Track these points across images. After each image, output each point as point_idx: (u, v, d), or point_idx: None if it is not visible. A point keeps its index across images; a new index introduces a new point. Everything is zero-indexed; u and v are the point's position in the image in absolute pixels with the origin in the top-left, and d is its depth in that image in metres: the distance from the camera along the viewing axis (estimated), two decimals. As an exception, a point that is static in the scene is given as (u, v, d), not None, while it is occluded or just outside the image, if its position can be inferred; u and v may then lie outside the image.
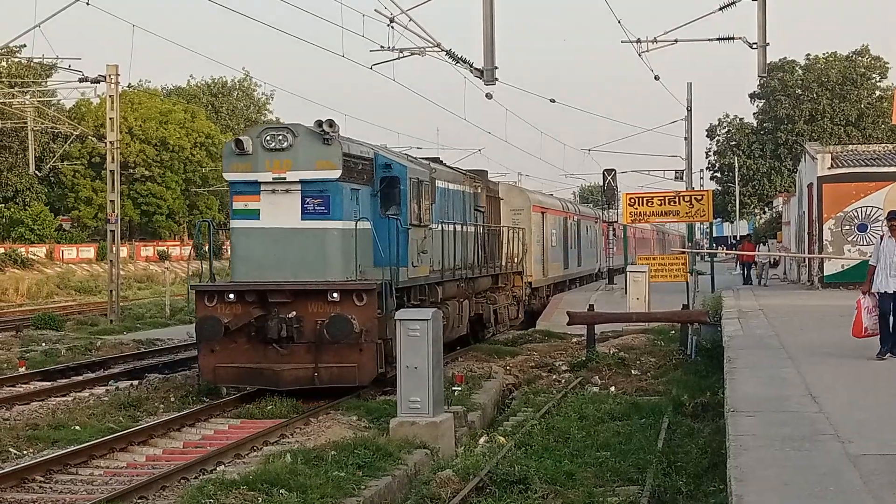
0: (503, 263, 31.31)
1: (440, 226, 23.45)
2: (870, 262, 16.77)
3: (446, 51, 26.65)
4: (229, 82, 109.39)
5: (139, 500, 12.53)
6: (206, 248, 21.32)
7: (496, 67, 26.42)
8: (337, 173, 18.42)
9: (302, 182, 18.40)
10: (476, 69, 26.41)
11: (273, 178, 18.40)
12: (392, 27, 26.31)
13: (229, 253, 19.84)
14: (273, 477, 13.07)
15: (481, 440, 17.20)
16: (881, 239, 16.64)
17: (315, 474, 13.43)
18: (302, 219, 18.42)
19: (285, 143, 18.48)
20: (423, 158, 26.48)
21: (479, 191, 29.25)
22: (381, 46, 26.80)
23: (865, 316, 15.78)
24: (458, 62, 26.73)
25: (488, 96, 28.47)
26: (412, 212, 20.66)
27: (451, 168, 27.98)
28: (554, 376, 23.49)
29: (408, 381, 16.38)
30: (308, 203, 18.38)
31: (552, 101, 54.62)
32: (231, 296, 18.42)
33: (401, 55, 26.96)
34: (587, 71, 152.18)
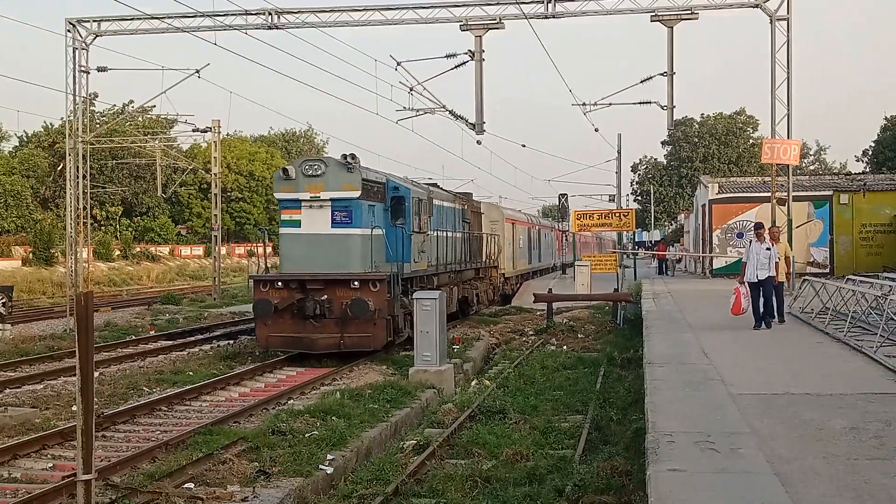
0: (483, 260, 30.02)
1: (436, 232, 22.41)
2: (742, 260, 16.94)
3: (449, 111, 26.68)
4: (297, 132, 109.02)
5: (234, 424, 12.60)
6: (262, 248, 20.98)
7: (483, 122, 26.45)
8: (357, 193, 17.65)
9: (332, 200, 17.68)
10: (470, 123, 26.43)
11: (310, 197, 17.77)
12: (411, 94, 26.38)
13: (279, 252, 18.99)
14: (327, 408, 13.21)
15: (473, 383, 17.21)
16: (750, 243, 16.78)
17: (356, 406, 13.55)
18: (331, 227, 17.73)
19: (319, 171, 17.80)
20: (424, 183, 25.47)
21: (465, 207, 27.72)
22: (404, 107, 26.85)
23: (743, 300, 15.79)
24: (457, 119, 26.74)
25: (478, 142, 28.44)
26: (414, 222, 19.86)
27: (445, 190, 26.78)
28: (524, 338, 23.47)
29: (422, 341, 16.43)
30: (336, 215, 17.67)
31: (523, 145, 54.72)
32: (279, 284, 17.71)
33: (417, 113, 26.96)
34: (549, 123, 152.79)
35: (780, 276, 16.69)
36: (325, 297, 17.29)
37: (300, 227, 17.94)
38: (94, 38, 27.01)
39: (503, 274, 33.84)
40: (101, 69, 26.91)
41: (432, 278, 21.65)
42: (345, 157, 18.00)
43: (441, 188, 26.58)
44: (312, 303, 17.17)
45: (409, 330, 18.89)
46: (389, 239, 18.69)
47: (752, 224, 35.44)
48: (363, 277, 17.29)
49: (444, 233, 23.50)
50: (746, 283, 15.95)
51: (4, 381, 16.31)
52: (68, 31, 26.80)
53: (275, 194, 18.70)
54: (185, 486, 9.34)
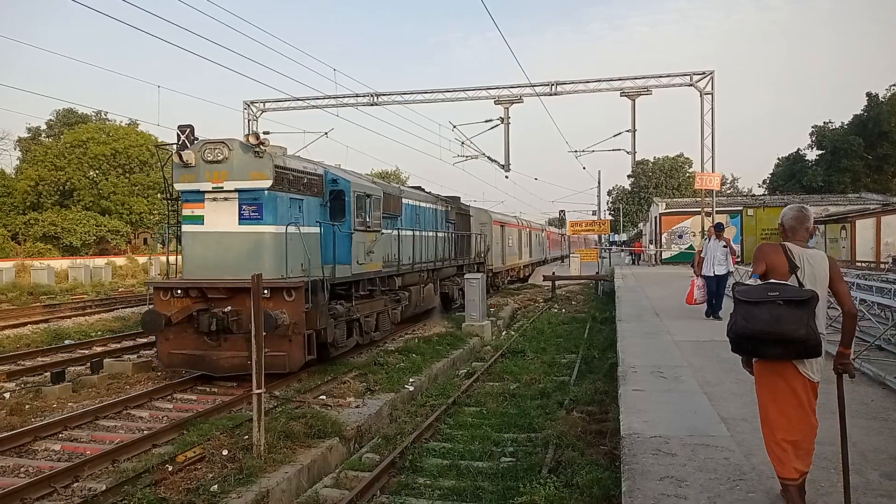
0: (472, 257, 22.12)
1: (403, 231, 15.11)
2: (701, 255, 12.44)
3: (487, 156, 26.61)
4: (389, 172, 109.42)
5: (349, 358, 12.57)
6: (169, 248, 12.63)
7: (510, 163, 26.31)
8: (268, 183, 10.34)
9: (238, 191, 10.43)
10: (501, 165, 26.31)
11: (212, 188, 10.48)
12: (463, 145, 26.38)
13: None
14: (409, 348, 13.22)
15: (503, 333, 17.16)
16: (708, 240, 12.52)
17: (428, 347, 13.53)
18: (239, 224, 10.50)
19: (221, 156, 10.40)
20: (411, 187, 19.16)
21: (450, 209, 20.20)
22: (458, 154, 26.88)
23: (696, 291, 12.21)
24: (492, 161, 26.66)
25: (506, 177, 28.33)
26: (356, 219, 12.18)
27: (428, 193, 18.82)
28: (536, 304, 23.36)
29: (469, 306, 16.40)
30: (244, 210, 10.50)
31: (536, 178, 54.67)
32: (178, 291, 10.48)
33: (466, 158, 26.98)
34: (552, 163, 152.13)
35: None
36: (230, 308, 10.20)
37: (203, 223, 10.68)
38: (262, 112, 27.51)
39: (491, 269, 25.71)
40: (266, 132, 27.37)
41: (394, 279, 14.39)
42: (248, 136, 10.61)
43: (424, 191, 19.13)
44: (207, 316, 10.15)
45: (358, 337, 12.38)
46: (327, 238, 11.66)
47: (689, 229, 35.05)
48: (274, 285, 10.11)
49: (421, 232, 16.56)
50: (703, 277, 12.19)
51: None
52: (245, 108, 27.37)
53: (175, 185, 10.82)
54: (320, 397, 9.49)
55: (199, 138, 11.49)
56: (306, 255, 10.77)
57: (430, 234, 17.62)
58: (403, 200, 15.48)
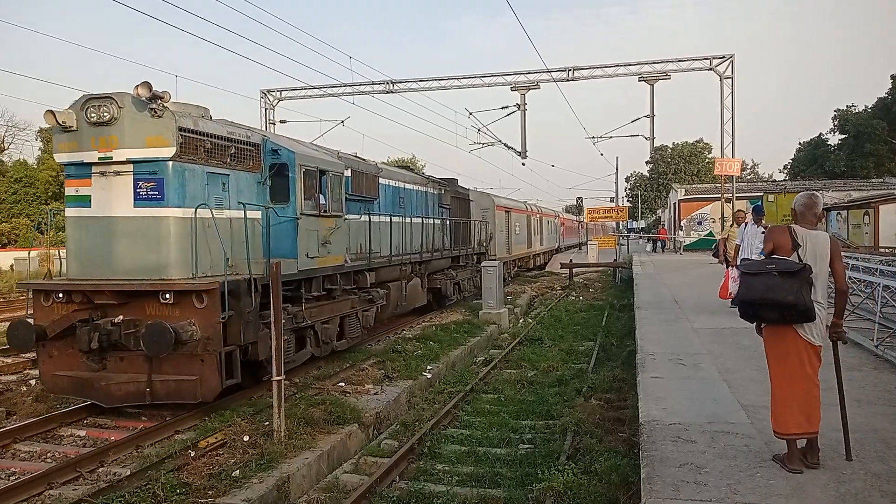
0: (471, 247, 19.51)
1: (380, 217, 12.58)
2: (736, 242, 11.10)
3: (504, 143, 26.45)
4: (405, 159, 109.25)
5: (367, 346, 12.65)
6: (48, 239, 10.12)
7: (527, 150, 26.17)
8: (169, 151, 7.57)
9: (132, 161, 7.65)
10: (517, 151, 26.16)
11: (99, 158, 7.67)
12: (479, 132, 26.27)
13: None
14: (426, 335, 13.23)
15: (521, 321, 17.15)
16: (745, 225, 10.84)
17: (445, 334, 13.55)
18: (135, 206, 7.70)
19: (108, 116, 7.53)
20: (395, 166, 16.81)
21: (444, 192, 17.51)
22: (474, 142, 26.77)
23: (731, 284, 10.43)
24: (509, 148, 26.47)
25: (523, 164, 28.06)
26: (305, 201, 9.40)
27: (418, 174, 16.73)
28: (554, 292, 23.29)
29: (486, 293, 16.33)
30: (140, 187, 7.68)
31: (553, 165, 54.24)
32: (60, 295, 7.88)
33: (483, 146, 26.85)
34: (569, 149, 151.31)
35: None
36: (122, 317, 7.62)
37: (90, 206, 7.87)
38: (278, 101, 27.58)
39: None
40: (282, 121, 27.43)
41: (364, 275, 11.55)
42: (137, 88, 7.50)
43: (412, 170, 16.84)
44: (87, 330, 7.52)
45: (313, 348, 9.94)
46: (265, 225, 8.83)
47: (709, 216, 34.65)
48: (178, 287, 7.57)
49: (404, 218, 13.98)
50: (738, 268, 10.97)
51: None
52: (261, 97, 27.45)
53: (55, 156, 8.09)
54: (339, 384, 9.57)
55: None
56: (222, 247, 7.78)
57: (417, 220, 14.98)
58: (381, 181, 12.94)
